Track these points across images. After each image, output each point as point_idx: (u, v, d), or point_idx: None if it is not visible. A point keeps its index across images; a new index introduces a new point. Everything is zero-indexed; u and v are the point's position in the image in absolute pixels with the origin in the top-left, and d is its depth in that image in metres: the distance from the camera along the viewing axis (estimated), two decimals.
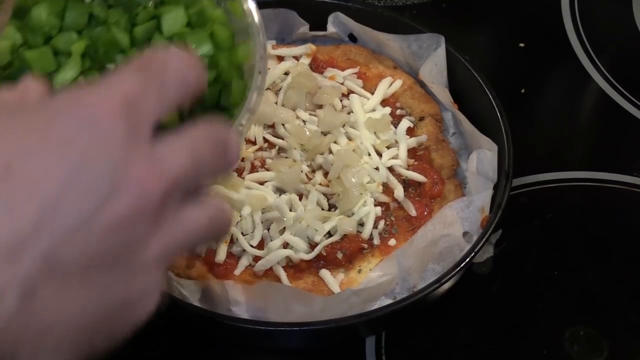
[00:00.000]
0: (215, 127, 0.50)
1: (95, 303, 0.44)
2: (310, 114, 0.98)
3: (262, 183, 0.92)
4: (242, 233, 0.88)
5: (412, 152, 0.97)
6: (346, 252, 0.88)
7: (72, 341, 0.44)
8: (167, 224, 0.46)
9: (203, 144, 0.48)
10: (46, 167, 0.42)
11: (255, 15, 0.70)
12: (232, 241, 0.88)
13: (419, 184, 0.94)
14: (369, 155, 0.94)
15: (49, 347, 0.43)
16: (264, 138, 0.96)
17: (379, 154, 0.95)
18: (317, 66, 1.04)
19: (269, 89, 1.00)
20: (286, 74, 1.01)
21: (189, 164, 0.47)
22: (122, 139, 0.44)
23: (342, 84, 1.01)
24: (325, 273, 0.87)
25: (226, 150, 0.50)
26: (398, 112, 1.00)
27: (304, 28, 1.07)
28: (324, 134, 0.95)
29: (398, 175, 0.94)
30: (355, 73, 1.03)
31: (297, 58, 1.04)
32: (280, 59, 1.04)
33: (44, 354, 0.43)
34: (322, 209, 0.90)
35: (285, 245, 0.88)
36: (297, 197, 0.90)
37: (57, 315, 0.43)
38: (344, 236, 0.88)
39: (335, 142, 0.94)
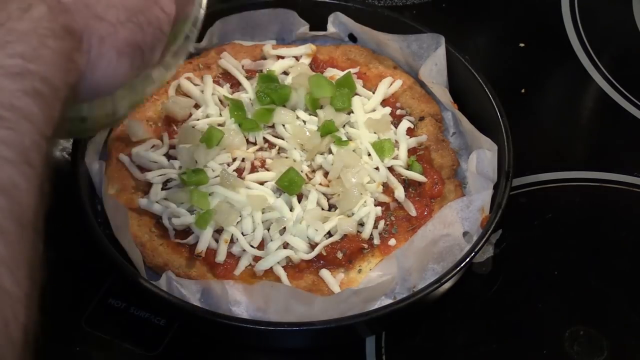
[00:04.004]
0: None
1: None
2: (310, 114, 0.98)
3: (262, 183, 0.92)
4: (242, 233, 0.88)
5: (412, 152, 0.97)
6: (346, 252, 0.88)
7: (125, 19, 0.59)
8: None
9: None
10: None
11: None
12: (233, 241, 0.88)
13: (419, 184, 0.94)
14: (369, 155, 0.94)
15: (112, 21, 0.57)
16: (264, 138, 0.96)
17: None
18: (317, 66, 1.04)
19: None
20: (286, 73, 1.01)
21: None
22: None
23: None
24: (325, 273, 0.87)
25: None
26: (398, 112, 1.00)
27: (304, 28, 1.07)
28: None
29: (398, 175, 0.94)
30: (356, 73, 1.02)
31: (297, 58, 1.04)
32: (280, 59, 1.04)
33: (109, 36, 0.58)
34: (322, 209, 0.90)
35: (286, 245, 0.88)
36: (297, 198, 0.91)
37: None
38: (344, 236, 0.88)
39: (334, 143, 0.95)
